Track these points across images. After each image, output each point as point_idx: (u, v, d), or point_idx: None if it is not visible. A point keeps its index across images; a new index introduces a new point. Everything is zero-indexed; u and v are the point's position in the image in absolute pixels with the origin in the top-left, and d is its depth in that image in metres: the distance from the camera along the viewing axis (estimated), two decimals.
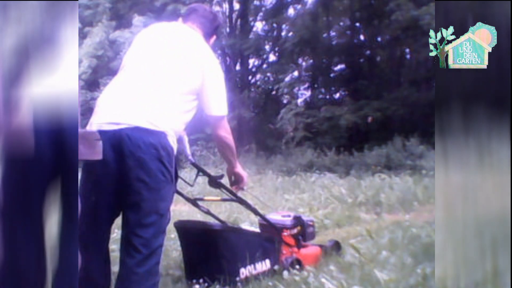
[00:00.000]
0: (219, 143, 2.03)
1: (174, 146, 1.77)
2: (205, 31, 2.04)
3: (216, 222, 2.69)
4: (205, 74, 1.84)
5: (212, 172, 2.39)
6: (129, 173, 1.66)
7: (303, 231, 2.84)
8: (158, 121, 1.71)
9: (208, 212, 2.66)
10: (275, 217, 2.88)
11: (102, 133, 1.59)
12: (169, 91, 1.77)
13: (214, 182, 2.29)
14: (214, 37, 2.12)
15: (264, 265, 2.56)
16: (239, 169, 2.17)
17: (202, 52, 1.90)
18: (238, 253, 2.43)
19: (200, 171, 2.22)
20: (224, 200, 2.71)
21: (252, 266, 2.48)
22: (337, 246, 3.08)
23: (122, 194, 1.70)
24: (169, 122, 1.75)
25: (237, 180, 2.22)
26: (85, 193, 1.71)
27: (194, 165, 2.17)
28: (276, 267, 2.58)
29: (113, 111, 1.72)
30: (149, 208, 1.69)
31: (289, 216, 2.90)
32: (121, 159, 1.66)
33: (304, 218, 2.92)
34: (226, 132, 1.98)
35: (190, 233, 2.52)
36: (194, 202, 2.58)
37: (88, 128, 1.75)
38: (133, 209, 1.69)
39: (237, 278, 2.37)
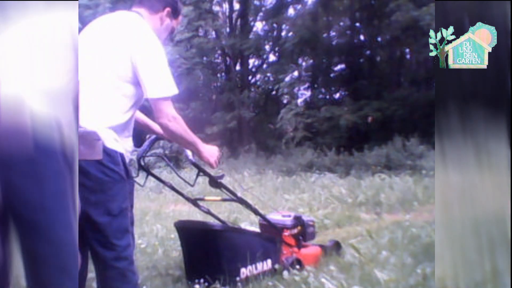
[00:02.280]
0: (166, 133, 1.82)
1: (116, 144, 1.67)
2: (152, 8, 1.86)
3: (216, 222, 2.69)
4: (134, 57, 1.66)
5: (213, 172, 2.39)
6: None
7: (303, 231, 2.84)
8: (86, 122, 1.60)
9: (208, 212, 2.66)
10: (275, 217, 2.88)
11: None
12: (95, 87, 1.67)
13: (214, 182, 2.28)
14: (168, 9, 1.88)
15: (265, 265, 2.56)
16: (204, 152, 1.93)
17: (129, 35, 1.71)
18: (238, 253, 2.43)
19: (201, 171, 2.21)
20: (224, 200, 2.71)
21: (253, 266, 2.48)
22: (337, 246, 3.08)
23: None
24: (101, 120, 1.65)
25: (206, 163, 2.01)
26: None
27: (195, 165, 2.15)
28: (276, 266, 2.59)
29: None
30: (98, 210, 1.62)
31: (289, 216, 2.90)
32: None
33: (305, 218, 2.92)
34: (167, 119, 1.72)
35: (190, 233, 2.52)
36: (194, 202, 2.58)
37: None
38: (83, 216, 1.60)
39: (237, 278, 2.38)
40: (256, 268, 2.50)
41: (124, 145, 1.73)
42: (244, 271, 2.43)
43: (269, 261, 2.58)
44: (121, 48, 1.68)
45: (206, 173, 2.23)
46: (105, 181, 1.63)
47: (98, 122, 1.65)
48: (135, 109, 1.79)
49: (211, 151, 1.97)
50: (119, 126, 1.71)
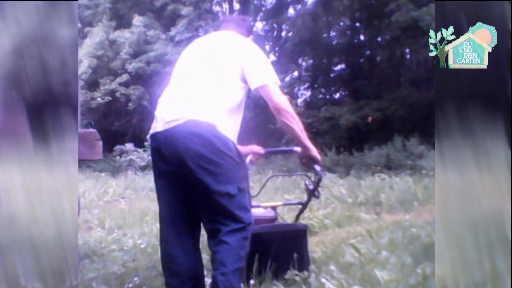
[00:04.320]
0: (279, 116, 1.94)
1: (229, 134, 1.83)
2: (239, 32, 2.11)
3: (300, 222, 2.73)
4: (243, 58, 1.90)
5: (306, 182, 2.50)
6: (190, 165, 1.74)
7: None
8: (207, 114, 1.79)
9: None
10: (258, 211, 2.71)
11: (158, 134, 1.80)
12: (214, 85, 1.86)
13: (313, 193, 2.37)
14: (251, 37, 2.19)
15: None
16: (312, 150, 2.08)
17: (238, 42, 1.99)
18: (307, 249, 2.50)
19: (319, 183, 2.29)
20: (285, 204, 2.79)
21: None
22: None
23: (190, 188, 1.80)
24: (218, 114, 1.82)
25: (310, 161, 2.13)
26: (159, 195, 1.91)
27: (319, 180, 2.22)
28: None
29: (166, 112, 1.84)
30: (218, 191, 1.76)
31: (266, 208, 2.74)
32: (178, 154, 1.74)
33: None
34: (277, 100, 1.91)
35: (279, 235, 2.48)
36: None
37: (149, 134, 1.89)
38: (206, 197, 1.77)
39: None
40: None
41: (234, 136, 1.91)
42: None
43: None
44: (235, 54, 1.93)
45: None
46: (222, 164, 1.77)
47: (217, 111, 1.82)
48: (243, 107, 1.98)
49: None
50: (233, 118, 1.90)
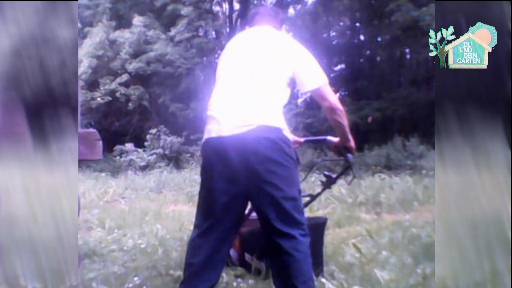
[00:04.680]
0: (330, 115, 2.01)
1: (289, 135, 1.88)
2: (275, 27, 2.11)
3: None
4: (295, 61, 1.93)
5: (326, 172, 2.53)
6: (260, 170, 1.74)
7: None
8: (273, 118, 1.82)
9: None
10: None
11: (224, 138, 1.77)
12: (273, 88, 1.88)
13: (334, 181, 2.40)
14: (284, 26, 2.20)
15: None
16: (352, 141, 2.12)
17: (287, 43, 2.00)
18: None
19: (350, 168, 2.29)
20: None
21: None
22: None
23: (252, 193, 1.80)
24: (281, 117, 1.85)
25: (344, 150, 2.17)
26: (213, 199, 1.84)
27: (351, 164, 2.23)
28: None
29: (232, 116, 1.82)
30: (285, 194, 1.78)
31: None
32: (248, 159, 1.75)
33: None
34: (333, 100, 1.96)
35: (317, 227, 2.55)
36: None
37: (206, 135, 1.86)
38: (270, 202, 1.77)
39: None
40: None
41: None
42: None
43: None
44: (286, 57, 1.93)
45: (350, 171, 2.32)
46: (289, 167, 1.80)
47: (279, 114, 1.84)
48: None
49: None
50: (284, 124, 1.89)
